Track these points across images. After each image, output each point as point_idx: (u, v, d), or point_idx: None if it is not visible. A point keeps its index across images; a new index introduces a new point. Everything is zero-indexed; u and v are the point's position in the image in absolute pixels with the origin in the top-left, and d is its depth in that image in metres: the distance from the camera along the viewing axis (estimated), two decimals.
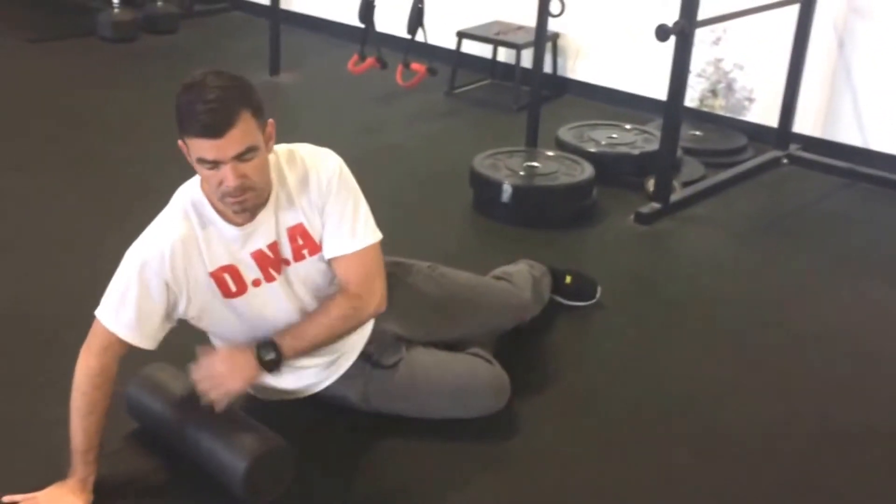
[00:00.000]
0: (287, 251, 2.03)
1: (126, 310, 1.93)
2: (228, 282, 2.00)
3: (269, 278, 2.03)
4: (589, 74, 4.91)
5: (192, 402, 2.04)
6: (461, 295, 2.40)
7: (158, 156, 3.99)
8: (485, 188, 3.51)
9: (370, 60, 4.43)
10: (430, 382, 2.26)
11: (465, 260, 2.71)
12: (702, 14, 3.32)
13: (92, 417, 1.93)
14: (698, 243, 3.43)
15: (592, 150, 3.79)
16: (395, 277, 2.28)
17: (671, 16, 3.27)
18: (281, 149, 2.05)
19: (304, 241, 2.04)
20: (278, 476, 2.01)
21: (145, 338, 1.96)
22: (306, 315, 2.07)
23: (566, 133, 3.94)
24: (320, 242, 2.05)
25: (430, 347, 2.31)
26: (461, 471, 2.15)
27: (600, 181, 3.57)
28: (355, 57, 4.47)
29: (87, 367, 1.94)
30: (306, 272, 2.07)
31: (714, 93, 4.50)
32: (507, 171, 3.52)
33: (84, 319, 2.00)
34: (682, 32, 3.26)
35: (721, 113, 4.49)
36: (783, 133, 4.11)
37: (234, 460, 1.95)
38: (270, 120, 1.93)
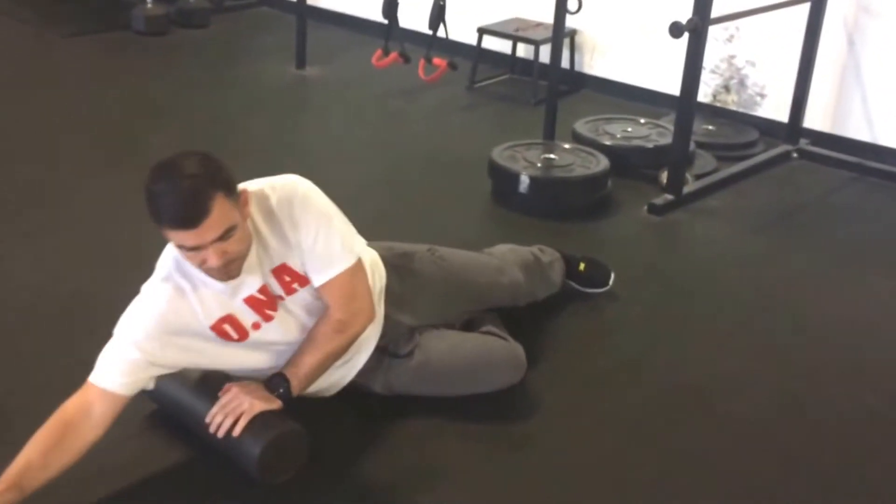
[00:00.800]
0: (278, 289, 2.03)
1: (116, 373, 1.92)
2: (229, 331, 2.01)
3: (268, 318, 2.04)
4: (605, 70, 4.90)
5: (208, 385, 2.07)
6: (461, 276, 2.41)
7: (190, 143, 4.03)
8: (503, 179, 3.53)
9: (393, 55, 4.44)
10: (446, 364, 2.28)
11: (484, 248, 2.73)
12: (715, 12, 3.32)
13: (33, 450, 1.83)
14: (710, 234, 3.44)
15: (608, 143, 3.80)
16: (403, 268, 2.30)
17: (685, 13, 3.27)
18: (256, 192, 2.00)
19: (291, 278, 2.03)
20: (292, 458, 2.02)
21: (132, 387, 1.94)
22: (303, 343, 2.06)
23: (582, 126, 3.94)
24: (306, 274, 2.04)
25: (442, 330, 2.33)
26: (479, 451, 2.17)
27: (615, 173, 3.58)
28: (379, 52, 4.48)
29: (68, 406, 1.89)
30: (303, 300, 2.07)
31: (727, 89, 4.50)
32: (525, 162, 3.54)
33: (126, 298, 2.01)
34: (695, 29, 3.27)
35: (733, 108, 4.49)
36: (793, 128, 4.10)
37: (250, 442, 1.95)
38: (243, 189, 1.90)
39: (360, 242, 2.16)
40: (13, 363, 2.43)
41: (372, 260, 2.25)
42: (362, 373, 2.23)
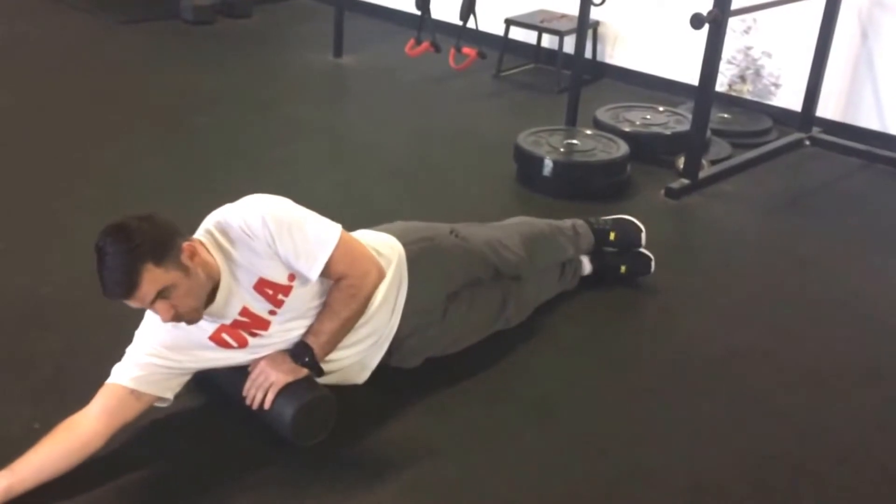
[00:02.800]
0: (264, 306, 1.96)
1: (118, 371, 1.93)
2: (228, 340, 1.98)
3: (256, 335, 1.98)
4: (626, 60, 4.84)
5: None
6: (480, 254, 2.34)
7: (234, 126, 4.05)
8: (528, 163, 3.49)
9: (425, 45, 4.40)
10: (469, 329, 2.32)
11: None
12: (735, 4, 3.25)
13: (41, 452, 1.81)
14: (724, 217, 3.39)
15: (627, 129, 3.75)
16: (432, 252, 2.25)
17: (705, 5, 3.21)
18: (210, 226, 1.95)
19: (273, 290, 1.95)
20: (323, 422, 2.01)
21: (152, 387, 1.92)
22: (321, 313, 2.01)
23: (603, 114, 3.90)
24: (289, 277, 1.95)
25: (463, 306, 2.30)
26: (504, 420, 2.15)
27: (634, 158, 3.54)
28: (412, 41, 4.44)
29: (81, 414, 1.88)
30: (300, 300, 1.99)
31: (743, 78, 4.42)
32: (549, 147, 3.50)
33: None
34: (715, 21, 3.20)
35: (748, 97, 4.41)
36: (806, 117, 4.03)
37: (283, 406, 1.95)
38: (185, 244, 1.83)
39: (330, 223, 2.03)
40: (73, 325, 2.44)
41: (390, 246, 2.20)
42: (392, 355, 2.20)
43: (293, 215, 1.96)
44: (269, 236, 1.89)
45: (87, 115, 4.11)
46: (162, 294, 1.78)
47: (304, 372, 1.99)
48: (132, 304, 1.80)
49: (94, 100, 4.30)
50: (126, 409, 1.90)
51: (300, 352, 1.99)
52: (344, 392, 2.00)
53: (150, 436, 2.01)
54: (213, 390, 2.14)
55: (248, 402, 1.97)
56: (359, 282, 2.00)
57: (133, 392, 1.90)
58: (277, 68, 4.95)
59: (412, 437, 2.08)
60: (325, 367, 2.04)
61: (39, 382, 2.20)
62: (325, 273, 1.95)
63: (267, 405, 1.95)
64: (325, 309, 2.01)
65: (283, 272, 1.94)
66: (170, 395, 1.97)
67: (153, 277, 1.76)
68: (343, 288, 1.99)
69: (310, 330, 2.01)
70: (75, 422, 1.87)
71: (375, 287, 2.05)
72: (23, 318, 2.48)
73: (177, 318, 1.84)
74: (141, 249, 1.74)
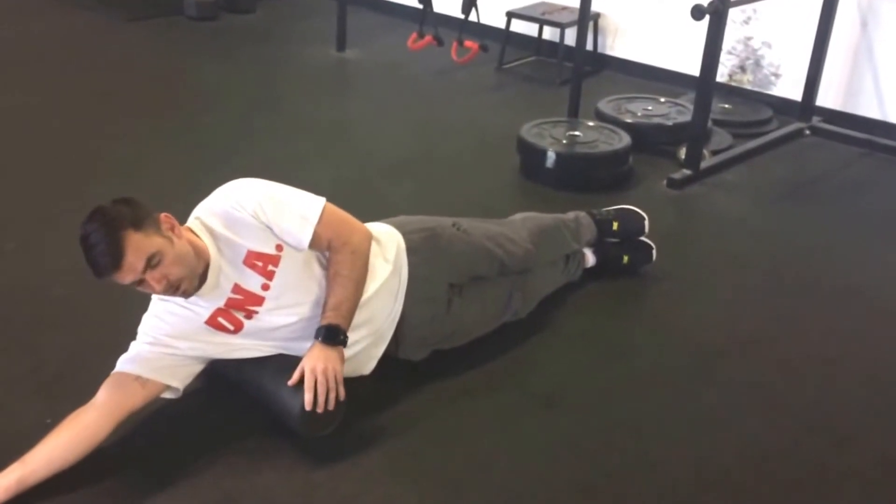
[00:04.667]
0: (256, 280, 1.95)
1: (123, 360, 1.94)
2: (225, 324, 1.97)
3: (251, 314, 1.97)
4: (627, 51, 4.81)
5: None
6: (483, 248, 2.32)
7: (239, 121, 4.03)
8: (530, 154, 3.48)
9: (428, 38, 4.39)
10: (476, 322, 2.31)
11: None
12: None
13: (50, 443, 1.82)
14: (726, 207, 3.37)
15: (629, 120, 3.73)
16: (433, 241, 2.24)
17: None
18: (199, 212, 2.00)
19: (262, 261, 1.95)
20: (331, 414, 1.97)
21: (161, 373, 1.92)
22: (329, 286, 1.99)
23: (605, 105, 3.88)
24: (277, 247, 1.96)
25: (470, 298, 2.28)
26: (510, 409, 2.15)
27: (636, 149, 3.52)
28: (414, 35, 4.43)
29: (87, 405, 1.88)
30: (292, 271, 1.98)
31: (743, 69, 4.39)
32: (551, 139, 3.48)
33: None
34: (716, 12, 3.18)
35: (749, 87, 4.39)
36: (807, 106, 4.00)
37: (292, 398, 1.93)
38: (161, 215, 1.87)
39: (314, 195, 2.05)
40: (82, 323, 2.44)
41: (388, 234, 2.20)
42: (401, 346, 2.19)
43: (280, 188, 2.02)
44: (258, 205, 1.93)
45: (94, 112, 4.10)
46: (150, 263, 1.79)
47: (343, 352, 1.97)
48: (124, 277, 1.79)
49: (100, 97, 4.29)
50: (131, 397, 1.90)
51: (332, 334, 1.94)
52: (351, 382, 1.99)
53: (155, 426, 2.01)
54: (219, 380, 2.13)
55: (319, 409, 1.89)
56: (350, 239, 2.02)
57: (138, 379, 1.90)
58: (281, 63, 4.93)
59: (418, 426, 2.07)
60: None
61: (50, 378, 2.20)
62: (315, 239, 1.97)
63: (342, 396, 1.93)
64: (332, 279, 1.99)
65: (270, 242, 1.95)
66: (176, 384, 1.96)
67: (136, 244, 1.78)
68: (341, 250, 2.00)
69: (327, 307, 1.97)
70: (82, 413, 1.87)
71: (369, 244, 2.07)
72: (34, 316, 2.48)
73: (170, 287, 1.83)
74: (118, 220, 1.78)
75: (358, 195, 3.28)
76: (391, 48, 5.08)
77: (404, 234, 2.21)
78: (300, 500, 1.84)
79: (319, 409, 1.90)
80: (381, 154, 3.75)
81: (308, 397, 1.88)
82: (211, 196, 2.02)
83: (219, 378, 2.12)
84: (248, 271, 1.95)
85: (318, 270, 2.03)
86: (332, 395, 1.91)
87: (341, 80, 4.84)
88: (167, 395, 1.97)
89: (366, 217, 2.28)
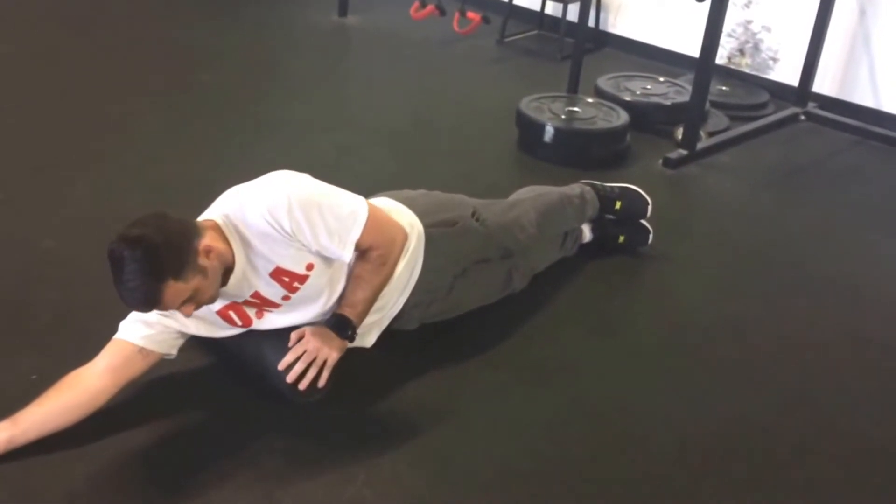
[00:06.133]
0: (277, 292, 1.89)
1: (124, 327, 1.88)
2: (234, 318, 1.93)
3: (266, 311, 1.93)
4: (628, 30, 4.75)
5: None
6: (495, 240, 2.29)
7: (238, 84, 3.96)
8: (529, 129, 3.44)
9: (430, 8, 4.32)
10: (473, 301, 2.28)
11: (509, 193, 2.64)
12: None
13: (45, 404, 1.77)
14: (720, 188, 3.35)
15: (628, 98, 3.69)
16: (452, 237, 2.18)
17: None
18: (229, 210, 1.83)
19: (290, 278, 1.87)
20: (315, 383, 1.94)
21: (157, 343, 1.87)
22: (349, 284, 1.95)
23: (605, 82, 3.84)
24: (307, 267, 1.87)
25: (472, 275, 2.25)
26: (502, 384, 2.13)
27: (634, 128, 3.49)
28: (416, 4, 4.36)
29: (86, 369, 1.83)
30: (311, 287, 1.91)
31: (742, 52, 4.34)
32: (550, 114, 3.44)
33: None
34: None
35: (747, 71, 4.34)
36: (803, 91, 3.96)
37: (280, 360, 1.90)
38: (202, 245, 1.72)
39: (355, 197, 1.95)
40: (72, 278, 2.39)
41: (410, 224, 2.12)
42: (403, 319, 2.16)
43: (319, 196, 1.85)
44: (296, 225, 1.79)
45: (91, 70, 4.03)
46: (184, 303, 1.73)
47: (346, 346, 1.94)
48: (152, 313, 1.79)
49: (97, 56, 4.21)
50: (132, 367, 1.86)
51: (342, 325, 1.92)
52: (345, 354, 1.95)
53: (150, 393, 1.97)
54: (216, 349, 2.09)
55: (290, 377, 1.87)
56: (386, 250, 1.95)
57: (141, 350, 1.86)
58: (282, 27, 4.85)
59: (411, 400, 2.05)
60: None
61: (38, 334, 2.17)
62: (358, 249, 1.90)
63: (322, 383, 1.89)
64: (355, 280, 1.94)
65: (301, 261, 1.87)
66: (175, 352, 1.93)
67: (175, 291, 1.69)
68: (372, 259, 1.94)
69: (344, 301, 1.94)
70: (80, 376, 1.82)
71: (402, 249, 2.01)
72: (22, 270, 2.44)
73: (195, 309, 1.78)
74: (161, 270, 1.65)
75: (355, 163, 3.24)
76: (393, 16, 5.00)
77: (426, 227, 2.13)
78: (288, 468, 1.82)
79: (291, 380, 1.86)
80: (378, 123, 3.69)
81: (288, 358, 1.87)
82: (246, 196, 1.83)
83: (213, 342, 2.07)
84: (273, 283, 1.88)
85: (340, 286, 1.98)
86: (312, 374, 1.88)
87: (342, 46, 4.75)
88: (165, 357, 1.94)
89: (361, 188, 2.22)
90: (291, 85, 4.00)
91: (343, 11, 4.96)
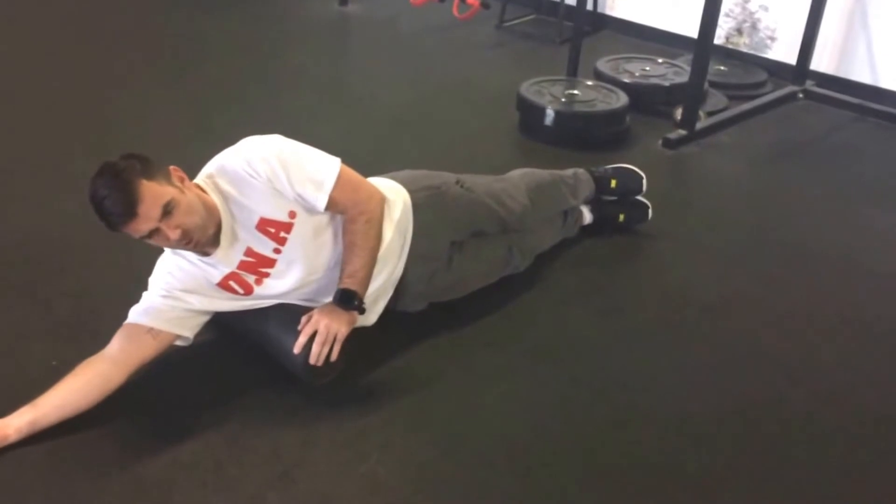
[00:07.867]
0: (269, 245, 1.93)
1: (136, 311, 1.91)
2: (235, 287, 1.95)
3: (264, 273, 1.95)
4: (626, 12, 4.75)
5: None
6: (485, 205, 2.30)
7: (238, 72, 3.97)
8: (530, 112, 3.44)
9: None
10: (475, 278, 2.30)
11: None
12: None
13: (61, 389, 1.81)
14: (719, 167, 3.35)
15: (627, 80, 3.70)
16: (438, 199, 2.21)
17: None
18: (211, 170, 1.92)
19: (275, 228, 1.92)
20: (333, 363, 1.96)
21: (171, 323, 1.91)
22: (345, 254, 1.97)
23: (604, 65, 3.84)
24: (289, 214, 1.92)
25: (470, 252, 2.28)
26: (505, 363, 2.15)
27: (633, 109, 3.50)
28: None
29: (100, 354, 1.87)
30: (301, 238, 1.95)
31: (739, 31, 4.33)
32: (550, 97, 3.45)
33: None
34: None
35: (745, 50, 4.34)
36: (801, 70, 3.96)
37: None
38: (171, 167, 1.82)
39: (329, 155, 2.00)
40: (86, 267, 2.42)
41: (396, 191, 2.16)
42: (403, 298, 2.17)
43: (294, 148, 1.95)
44: (271, 170, 1.87)
45: (93, 60, 4.05)
46: (166, 210, 1.75)
47: (357, 319, 1.96)
48: (140, 226, 1.74)
49: (99, 45, 4.23)
50: (144, 348, 1.89)
51: (347, 298, 1.94)
52: (351, 333, 1.98)
53: (164, 377, 2.00)
54: (225, 329, 2.12)
55: (311, 360, 1.89)
56: (367, 206, 1.98)
57: (151, 330, 1.89)
58: (283, 15, 4.85)
59: (415, 377, 2.08)
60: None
61: (56, 322, 2.20)
62: (331, 203, 1.93)
63: (334, 357, 1.92)
64: (349, 248, 1.97)
65: (283, 209, 1.92)
66: (187, 333, 1.96)
67: (151, 191, 1.74)
68: (356, 220, 1.96)
69: (344, 273, 1.96)
70: (95, 361, 1.86)
71: (383, 210, 2.03)
72: (37, 260, 2.47)
73: (185, 237, 1.79)
74: (129, 171, 1.74)
75: (355, 150, 3.23)
76: (393, 3, 5.00)
77: (410, 193, 2.18)
78: (300, 448, 1.85)
79: (311, 361, 1.89)
80: (379, 109, 3.70)
81: (301, 340, 1.90)
82: (223, 154, 1.94)
83: (225, 327, 2.11)
84: (261, 236, 1.92)
85: (328, 237, 2.01)
86: (325, 350, 1.90)
87: (342, 33, 4.76)
88: (179, 342, 1.97)
89: (365, 172, 2.25)
90: (292, 73, 4.01)
91: (344, 0, 4.96)
